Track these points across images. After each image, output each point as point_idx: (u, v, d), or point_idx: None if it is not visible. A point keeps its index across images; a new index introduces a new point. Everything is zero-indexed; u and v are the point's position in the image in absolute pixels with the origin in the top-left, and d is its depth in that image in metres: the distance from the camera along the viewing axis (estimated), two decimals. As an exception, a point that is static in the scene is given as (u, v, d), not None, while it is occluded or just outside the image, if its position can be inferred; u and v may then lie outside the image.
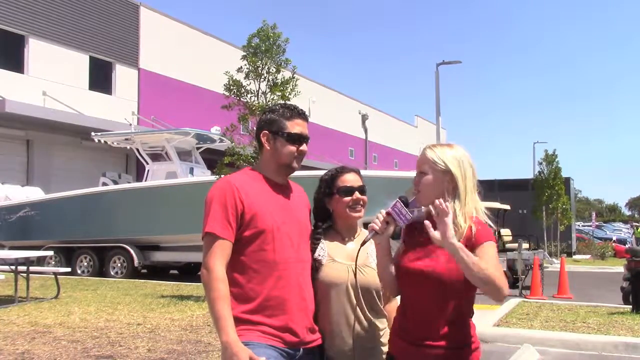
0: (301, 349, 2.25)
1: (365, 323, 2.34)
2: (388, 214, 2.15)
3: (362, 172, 2.61)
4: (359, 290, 2.35)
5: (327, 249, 2.41)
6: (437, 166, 2.16)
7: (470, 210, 2.13)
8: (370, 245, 2.33)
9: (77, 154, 20.68)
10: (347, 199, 2.42)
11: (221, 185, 2.27)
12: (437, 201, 2.05)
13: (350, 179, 2.46)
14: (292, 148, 2.33)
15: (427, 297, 2.10)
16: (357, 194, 2.43)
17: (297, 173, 2.45)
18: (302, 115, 2.39)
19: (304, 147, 2.36)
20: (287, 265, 2.25)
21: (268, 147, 2.36)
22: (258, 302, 2.19)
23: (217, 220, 2.19)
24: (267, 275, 2.22)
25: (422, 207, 2.22)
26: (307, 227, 2.43)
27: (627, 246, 24.90)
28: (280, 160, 2.34)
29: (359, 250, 2.29)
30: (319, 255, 2.40)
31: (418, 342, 2.10)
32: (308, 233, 2.42)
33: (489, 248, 2.08)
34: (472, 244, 2.08)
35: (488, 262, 2.03)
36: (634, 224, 50.27)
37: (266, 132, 2.36)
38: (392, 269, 2.22)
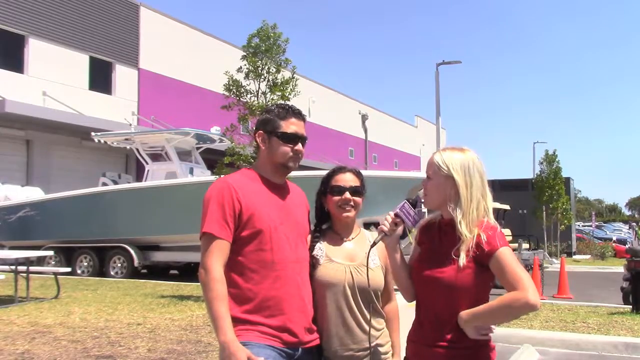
0: (300, 349, 2.24)
1: (363, 323, 2.34)
2: (396, 215, 2.16)
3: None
4: (359, 291, 2.34)
5: (325, 249, 2.40)
6: (441, 171, 2.12)
7: (474, 218, 2.07)
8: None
9: (77, 154, 20.68)
10: (336, 198, 2.41)
11: (219, 186, 2.26)
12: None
13: (343, 179, 2.45)
14: (287, 147, 2.31)
15: (438, 301, 2.09)
16: (346, 194, 2.41)
17: (296, 173, 2.44)
18: (297, 114, 2.36)
19: (299, 146, 2.33)
20: (285, 265, 2.24)
21: (263, 147, 2.36)
22: (256, 302, 2.19)
23: (215, 220, 2.18)
24: (265, 275, 2.21)
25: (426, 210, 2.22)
26: (305, 227, 2.43)
27: (627, 246, 24.91)
28: (276, 160, 2.33)
29: (369, 251, 2.27)
30: (317, 256, 2.39)
31: (430, 343, 2.10)
32: (306, 233, 2.41)
33: (505, 255, 2.01)
34: (484, 252, 2.02)
35: (506, 274, 1.98)
36: (634, 224, 50.21)
37: (261, 132, 2.36)
38: (405, 270, 2.22)
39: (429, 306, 2.13)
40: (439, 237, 2.16)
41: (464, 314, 2.04)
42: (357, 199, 2.43)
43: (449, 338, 2.07)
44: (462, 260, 2.02)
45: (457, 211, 2.08)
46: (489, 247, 2.02)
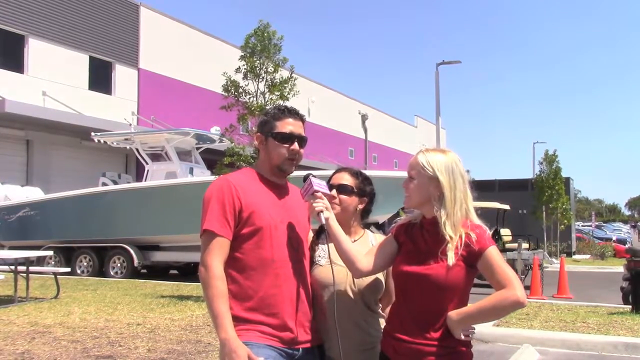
0: (300, 349, 2.24)
1: (364, 325, 2.34)
2: (316, 191, 2.26)
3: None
4: (360, 293, 2.34)
5: (327, 250, 2.40)
6: (425, 172, 2.14)
7: (458, 219, 2.10)
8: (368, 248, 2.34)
9: (77, 154, 20.66)
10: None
11: (219, 184, 2.27)
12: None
13: (336, 177, 2.50)
14: (282, 148, 2.30)
15: (425, 299, 2.10)
16: (332, 192, 2.43)
17: (296, 173, 2.43)
18: (293, 114, 2.36)
19: (295, 146, 2.31)
20: (285, 263, 2.24)
21: (261, 149, 2.37)
22: (256, 300, 2.19)
23: (215, 217, 2.19)
24: (265, 273, 2.21)
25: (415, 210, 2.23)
26: (306, 227, 2.43)
27: (627, 246, 24.90)
28: (272, 162, 2.33)
29: (324, 246, 2.29)
30: (319, 257, 2.39)
31: (412, 340, 2.10)
32: (307, 233, 2.42)
33: (493, 254, 2.08)
34: (474, 252, 2.07)
35: (495, 272, 2.04)
36: (638, 223, 50.24)
37: (259, 134, 2.38)
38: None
39: (413, 304, 2.13)
40: (422, 235, 2.17)
41: (454, 314, 2.06)
42: (343, 196, 2.43)
43: (433, 336, 2.07)
44: (452, 259, 2.05)
45: (442, 212, 2.11)
46: (479, 246, 2.07)
